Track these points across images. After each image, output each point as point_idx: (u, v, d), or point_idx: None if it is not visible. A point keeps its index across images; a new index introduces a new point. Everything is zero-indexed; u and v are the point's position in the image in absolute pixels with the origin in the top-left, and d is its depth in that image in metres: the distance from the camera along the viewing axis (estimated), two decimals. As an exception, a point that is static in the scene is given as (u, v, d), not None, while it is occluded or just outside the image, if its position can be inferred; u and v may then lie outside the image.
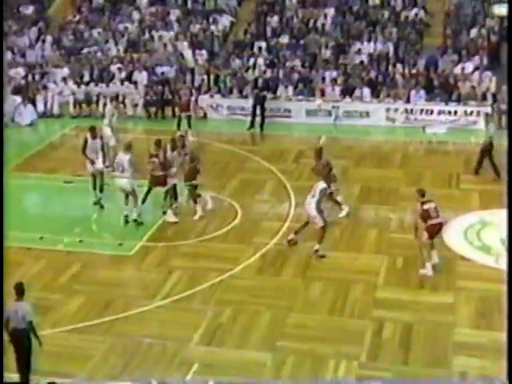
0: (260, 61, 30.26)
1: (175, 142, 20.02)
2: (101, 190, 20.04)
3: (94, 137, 20.11)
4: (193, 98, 27.89)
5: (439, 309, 15.02)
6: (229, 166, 23.36)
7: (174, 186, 19.41)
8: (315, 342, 13.96)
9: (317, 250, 17.21)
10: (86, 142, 20.11)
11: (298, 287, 15.98)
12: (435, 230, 16.22)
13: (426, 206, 16.04)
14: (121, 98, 29.38)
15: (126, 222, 18.83)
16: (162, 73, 30.21)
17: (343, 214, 19.16)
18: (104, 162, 20.38)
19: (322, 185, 17.33)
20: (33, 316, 12.50)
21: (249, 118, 27.64)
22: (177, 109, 27.37)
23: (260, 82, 28.37)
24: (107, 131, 23.09)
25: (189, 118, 26.33)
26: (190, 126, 26.16)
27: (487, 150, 21.68)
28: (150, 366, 13.39)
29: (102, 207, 19.89)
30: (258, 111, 27.35)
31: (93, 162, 19.95)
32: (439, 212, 16.18)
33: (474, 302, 15.12)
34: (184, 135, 21.47)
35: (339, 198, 19.14)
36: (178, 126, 26.21)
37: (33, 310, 12.56)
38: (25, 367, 12.70)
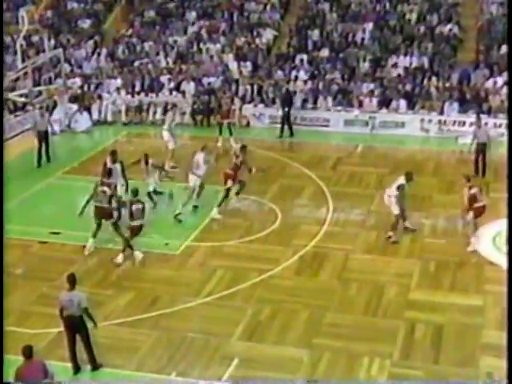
0: (301, 73, 30.23)
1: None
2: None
3: (114, 161, 19.35)
4: (233, 107, 28.02)
5: (468, 311, 14.90)
6: (270, 171, 23.36)
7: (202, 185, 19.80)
8: (350, 340, 13.92)
9: (389, 237, 18.01)
10: (105, 165, 19.33)
11: (334, 288, 15.95)
12: (480, 211, 17.39)
13: (472, 191, 17.30)
14: (169, 107, 29.59)
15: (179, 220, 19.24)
16: (209, 83, 30.34)
17: None
18: (126, 190, 19.12)
19: (400, 181, 18.10)
20: (88, 303, 12.73)
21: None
22: (218, 116, 27.44)
23: (284, 92, 28.35)
24: (166, 135, 23.57)
25: (229, 125, 26.40)
26: (231, 133, 26.22)
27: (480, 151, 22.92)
28: (193, 359, 13.45)
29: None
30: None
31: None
32: (482, 196, 17.54)
33: (501, 305, 14.89)
34: (246, 146, 21.04)
35: None
36: (220, 132, 26.36)
37: (86, 298, 12.81)
38: (88, 351, 12.98)
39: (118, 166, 19.35)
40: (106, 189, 17.46)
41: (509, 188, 17.63)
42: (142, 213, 16.98)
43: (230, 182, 19.91)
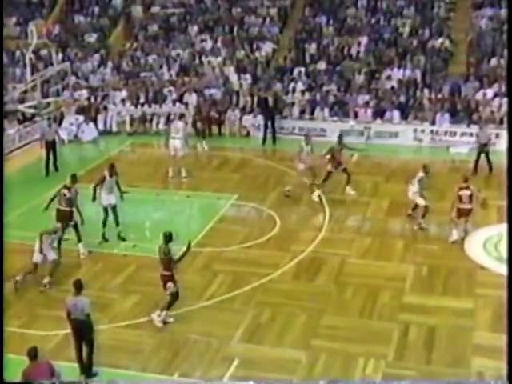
0: (299, 85, 30.30)
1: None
2: (117, 224, 18.73)
3: (111, 175, 18.62)
4: (233, 118, 28.40)
5: (460, 313, 14.92)
6: (269, 179, 23.40)
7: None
8: (346, 341, 13.94)
9: (419, 224, 18.96)
10: (104, 179, 18.50)
11: (330, 291, 15.97)
12: (462, 213, 17.96)
13: (460, 192, 17.87)
14: (172, 117, 29.67)
15: None
16: (210, 95, 30.38)
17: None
18: (121, 196, 18.78)
19: (419, 175, 19.02)
20: (90, 309, 12.75)
21: (287, 137, 27.88)
22: (199, 123, 27.82)
23: (270, 101, 28.39)
24: (179, 145, 23.44)
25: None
26: (204, 137, 27.02)
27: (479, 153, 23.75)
28: (195, 360, 13.48)
29: (106, 240, 18.62)
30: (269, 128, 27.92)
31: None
32: (473, 199, 17.90)
33: (492, 308, 14.98)
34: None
35: None
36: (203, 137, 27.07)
37: (90, 304, 12.80)
38: (88, 357, 12.93)
39: (113, 180, 18.66)
40: (66, 192, 17.73)
41: (509, 190, 17.55)
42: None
43: (329, 167, 21.39)
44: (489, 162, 23.64)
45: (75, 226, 17.84)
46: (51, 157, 24.42)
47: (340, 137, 22.51)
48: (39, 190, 22.36)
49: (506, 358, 10.82)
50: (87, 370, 12.94)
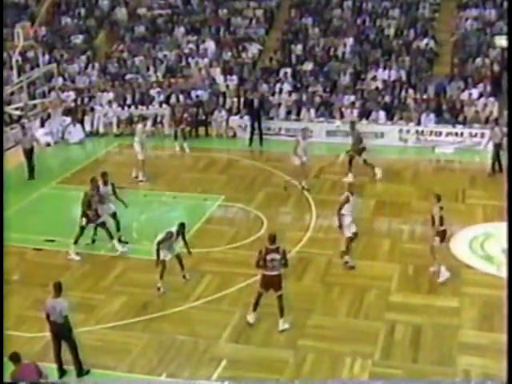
0: (285, 85, 30.30)
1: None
2: (118, 229, 18.51)
3: (105, 183, 18.47)
4: (220, 119, 28.45)
5: (446, 312, 14.95)
6: (256, 180, 23.39)
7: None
8: (333, 341, 13.95)
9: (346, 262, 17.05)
10: (98, 189, 18.16)
11: (317, 291, 15.98)
12: (444, 236, 16.22)
13: (441, 212, 16.10)
14: (159, 119, 29.65)
15: None
16: (197, 96, 30.32)
17: None
18: (124, 205, 18.61)
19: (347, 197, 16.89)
20: (68, 311, 12.71)
21: (274, 138, 27.95)
22: (173, 123, 27.88)
23: (256, 102, 28.44)
24: (137, 147, 23.44)
25: (183, 131, 27.05)
26: (185, 138, 26.87)
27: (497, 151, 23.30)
28: (183, 360, 13.46)
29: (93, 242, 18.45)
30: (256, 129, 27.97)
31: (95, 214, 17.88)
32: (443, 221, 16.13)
33: (478, 306, 15.04)
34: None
35: None
36: (175, 138, 27.11)
37: (68, 306, 12.77)
38: (74, 357, 12.92)
39: (109, 189, 18.55)
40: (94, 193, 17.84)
41: (509, 190, 17.53)
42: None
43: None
44: (499, 162, 23.29)
45: (103, 224, 17.89)
46: (30, 163, 23.94)
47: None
48: (26, 191, 22.35)
49: (506, 358, 10.83)
50: (79, 369, 12.93)
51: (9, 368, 11.22)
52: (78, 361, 12.92)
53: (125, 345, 13.96)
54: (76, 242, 17.78)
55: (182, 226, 16.08)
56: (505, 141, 22.96)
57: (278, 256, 14.15)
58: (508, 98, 24.03)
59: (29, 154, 24.08)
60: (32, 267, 17.43)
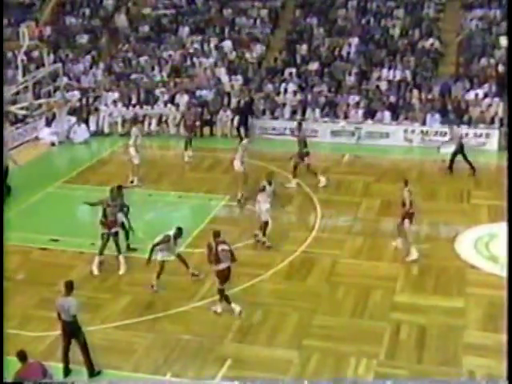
0: (290, 86, 30.31)
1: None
2: (127, 238, 18.16)
3: (113, 198, 17.67)
4: (225, 119, 28.19)
5: (451, 313, 14.94)
6: (260, 180, 23.27)
7: None
8: (338, 341, 13.95)
9: (256, 236, 18.12)
10: (108, 205, 17.34)
11: (322, 291, 15.98)
12: (412, 217, 17.32)
13: (411, 196, 17.24)
14: (164, 118, 29.67)
15: None
16: (201, 96, 30.36)
17: None
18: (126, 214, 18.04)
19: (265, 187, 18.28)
20: (77, 311, 12.69)
21: (278, 137, 27.94)
22: (183, 129, 27.22)
23: (242, 103, 28.52)
24: (132, 151, 23.20)
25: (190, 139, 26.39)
26: (191, 145, 26.09)
27: (459, 150, 23.55)
28: (188, 360, 13.46)
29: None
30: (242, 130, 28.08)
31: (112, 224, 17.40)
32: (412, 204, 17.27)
33: (482, 307, 15.03)
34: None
35: None
36: (190, 144, 26.07)
37: (78, 306, 12.74)
38: (85, 356, 12.92)
39: (118, 202, 17.80)
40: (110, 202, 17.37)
41: (509, 190, 17.53)
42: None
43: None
44: (468, 161, 23.60)
45: (116, 234, 17.48)
46: (5, 182, 22.18)
47: None
48: (31, 191, 22.36)
49: (507, 359, 10.82)
50: (90, 368, 12.93)
51: (9, 368, 11.25)
52: (89, 361, 12.93)
53: (130, 344, 13.96)
54: (100, 254, 17.27)
55: (179, 230, 16.10)
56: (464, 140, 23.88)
57: (226, 247, 14.72)
58: (508, 98, 24.07)
59: (5, 173, 22.28)
60: (37, 266, 17.45)
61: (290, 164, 22.85)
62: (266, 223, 18.21)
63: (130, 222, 17.92)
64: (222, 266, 14.74)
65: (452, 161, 23.62)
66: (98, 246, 17.30)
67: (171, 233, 16.07)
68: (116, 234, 17.38)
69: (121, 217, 17.88)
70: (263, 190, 18.29)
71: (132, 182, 22.98)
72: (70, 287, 12.88)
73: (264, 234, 18.23)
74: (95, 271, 16.99)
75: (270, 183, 18.52)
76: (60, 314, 12.81)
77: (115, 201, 17.55)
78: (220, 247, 14.60)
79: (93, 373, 12.96)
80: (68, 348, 12.92)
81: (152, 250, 15.88)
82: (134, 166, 23.19)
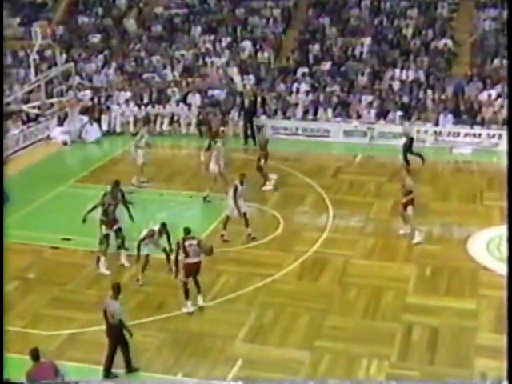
0: (303, 85, 30.30)
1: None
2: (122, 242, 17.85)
3: (114, 196, 17.71)
4: (237, 118, 28.43)
5: (463, 314, 14.91)
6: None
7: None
8: (349, 342, 13.93)
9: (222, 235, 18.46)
10: (109, 205, 17.42)
11: (334, 292, 15.97)
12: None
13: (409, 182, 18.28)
14: (176, 118, 29.71)
15: None
16: (213, 95, 30.40)
17: None
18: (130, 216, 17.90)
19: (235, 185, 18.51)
20: (122, 314, 12.69)
21: (291, 138, 27.95)
22: (209, 133, 26.63)
23: (247, 103, 28.49)
24: (139, 152, 23.15)
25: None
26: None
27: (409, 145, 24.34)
28: (199, 360, 13.48)
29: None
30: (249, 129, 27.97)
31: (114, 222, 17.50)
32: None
33: (495, 309, 14.95)
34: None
35: None
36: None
37: (122, 309, 12.74)
38: (124, 356, 12.98)
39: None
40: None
41: (509, 190, 17.48)
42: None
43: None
44: (420, 155, 24.43)
45: (120, 230, 17.59)
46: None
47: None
48: (43, 190, 22.44)
49: (507, 359, 10.79)
50: (128, 366, 12.98)
51: (9, 367, 11.30)
52: (127, 360, 12.98)
53: (141, 344, 13.93)
54: (105, 254, 17.29)
55: (163, 225, 16.29)
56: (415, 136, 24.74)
57: (194, 242, 15.04)
58: (508, 98, 23.98)
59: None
60: (49, 265, 17.51)
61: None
62: (228, 217, 18.72)
63: (131, 211, 17.95)
64: (189, 260, 15.00)
65: (406, 155, 24.23)
66: (98, 246, 17.34)
67: (156, 228, 16.29)
68: (119, 230, 17.49)
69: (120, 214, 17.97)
70: (235, 189, 18.52)
71: (146, 181, 22.95)
72: (116, 289, 12.78)
73: (224, 228, 18.70)
74: (105, 272, 17.03)
75: (241, 183, 18.65)
76: (106, 316, 12.73)
77: (116, 199, 17.65)
78: (187, 242, 14.99)
79: (130, 370, 13.01)
80: (113, 352, 12.84)
81: (139, 246, 16.15)
82: (138, 167, 23.13)
